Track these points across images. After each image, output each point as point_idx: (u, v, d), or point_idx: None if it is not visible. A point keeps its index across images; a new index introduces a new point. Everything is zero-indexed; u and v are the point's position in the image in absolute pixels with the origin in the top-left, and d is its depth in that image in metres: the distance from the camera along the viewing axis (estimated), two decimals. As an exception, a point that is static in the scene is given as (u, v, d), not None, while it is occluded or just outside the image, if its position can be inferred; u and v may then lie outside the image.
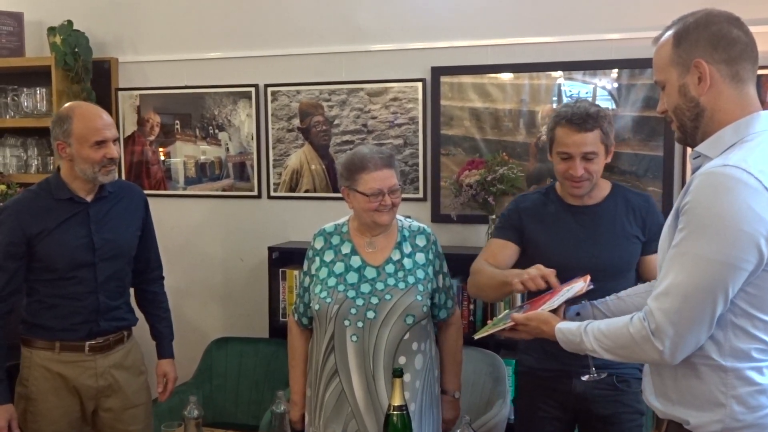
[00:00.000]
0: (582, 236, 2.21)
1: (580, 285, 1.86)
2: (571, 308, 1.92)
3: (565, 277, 2.04)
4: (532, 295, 2.04)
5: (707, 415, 1.51)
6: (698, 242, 1.44)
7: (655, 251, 2.14)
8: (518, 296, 2.98)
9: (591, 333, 1.63)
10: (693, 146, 1.60)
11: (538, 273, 1.96)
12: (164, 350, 2.68)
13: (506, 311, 2.03)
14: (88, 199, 2.43)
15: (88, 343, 2.43)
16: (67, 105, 2.45)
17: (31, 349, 2.44)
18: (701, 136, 1.56)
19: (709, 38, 1.51)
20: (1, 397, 2.35)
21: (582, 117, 2.11)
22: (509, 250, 2.28)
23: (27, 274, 2.40)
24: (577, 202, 2.25)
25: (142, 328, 2.71)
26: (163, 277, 2.75)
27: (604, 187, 2.26)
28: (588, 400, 2.21)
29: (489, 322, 2.07)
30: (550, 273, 1.97)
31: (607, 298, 1.94)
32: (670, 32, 1.58)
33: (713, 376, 1.51)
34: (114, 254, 2.46)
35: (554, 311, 1.80)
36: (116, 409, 2.52)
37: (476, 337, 1.98)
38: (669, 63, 1.56)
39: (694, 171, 1.58)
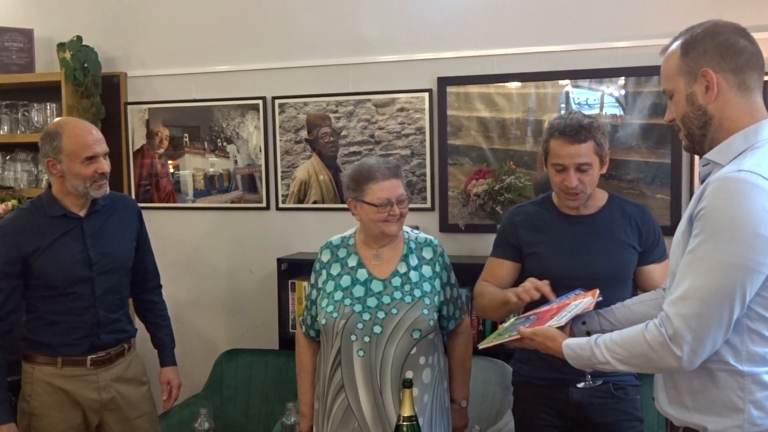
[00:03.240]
0: (579, 246, 2.21)
1: (588, 300, 1.86)
2: (576, 317, 1.91)
3: (562, 286, 2.06)
4: (538, 305, 2.04)
5: (725, 420, 1.51)
6: (715, 246, 1.45)
7: (653, 261, 2.20)
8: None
9: (603, 345, 1.61)
10: (701, 154, 1.61)
11: (531, 285, 2.04)
12: (167, 358, 2.69)
13: (513, 319, 2.03)
14: (82, 214, 2.43)
15: (89, 357, 2.44)
16: (55, 121, 2.45)
17: (33, 364, 2.44)
18: (709, 143, 1.58)
19: (717, 48, 1.54)
20: (3, 416, 2.34)
21: (575, 128, 2.13)
22: (507, 268, 2.32)
23: (25, 291, 2.40)
24: (573, 212, 2.25)
25: (143, 339, 2.73)
26: (161, 286, 2.76)
27: (601, 197, 2.27)
28: (585, 409, 2.20)
29: (499, 326, 2.07)
30: (543, 284, 2.03)
31: (613, 306, 1.94)
32: (677, 42, 1.60)
33: (730, 381, 1.51)
34: (111, 268, 2.47)
35: (561, 328, 1.79)
36: (120, 421, 2.53)
37: (481, 346, 1.98)
38: (677, 72, 1.58)
39: (703, 178, 1.59)
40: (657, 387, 1.69)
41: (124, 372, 2.54)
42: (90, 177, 2.35)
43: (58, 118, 2.54)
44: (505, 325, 2.02)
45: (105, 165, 2.38)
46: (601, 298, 1.90)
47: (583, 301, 1.87)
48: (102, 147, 2.39)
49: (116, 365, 2.51)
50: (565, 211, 2.26)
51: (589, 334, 1.83)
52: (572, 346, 1.68)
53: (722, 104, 1.54)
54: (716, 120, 1.55)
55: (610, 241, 2.20)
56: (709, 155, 1.58)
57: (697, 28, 1.58)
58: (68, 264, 2.38)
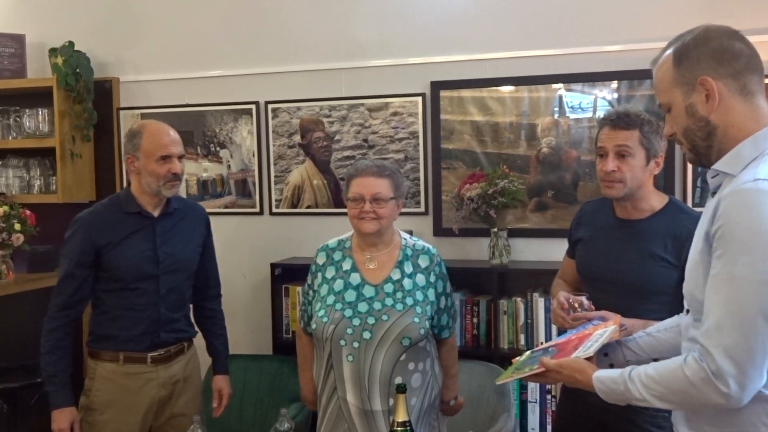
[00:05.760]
0: (613, 250, 2.17)
1: (612, 329, 1.76)
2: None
3: (591, 287, 2.06)
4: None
5: None
6: (743, 266, 1.34)
7: None
8: (542, 336, 3.00)
9: (638, 380, 1.48)
10: (708, 166, 1.52)
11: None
12: (220, 366, 2.75)
13: (528, 353, 1.90)
14: (155, 214, 2.53)
15: (150, 354, 2.51)
16: (139, 122, 2.58)
17: (97, 361, 2.52)
18: (716, 154, 1.49)
19: (711, 53, 1.45)
20: (65, 400, 2.41)
21: (618, 115, 2.13)
22: (571, 265, 2.35)
23: (94, 284, 2.49)
24: (623, 215, 2.20)
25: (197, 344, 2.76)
26: (220, 295, 2.81)
27: (657, 202, 2.16)
28: (604, 413, 2.17)
29: (514, 361, 1.90)
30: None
31: (635, 335, 1.82)
32: (668, 52, 1.51)
33: (756, 407, 1.40)
34: (176, 268, 2.55)
35: (588, 358, 1.65)
36: (166, 416, 2.58)
37: (498, 382, 1.85)
38: (672, 84, 1.50)
39: (713, 190, 1.51)
40: (675, 413, 1.59)
41: (183, 370, 2.60)
42: (163, 176, 2.44)
43: (143, 120, 2.64)
44: (521, 358, 1.88)
45: (178, 166, 2.48)
46: (625, 328, 1.82)
47: (607, 330, 1.76)
48: (177, 149, 2.50)
49: (176, 363, 2.58)
50: (617, 213, 2.21)
51: (612, 365, 1.72)
52: (603, 380, 1.54)
53: (725, 112, 1.45)
54: (720, 129, 1.46)
55: (642, 252, 2.12)
56: (717, 166, 1.48)
57: (687, 35, 1.49)
58: (137, 260, 2.47)
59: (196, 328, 2.72)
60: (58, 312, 2.44)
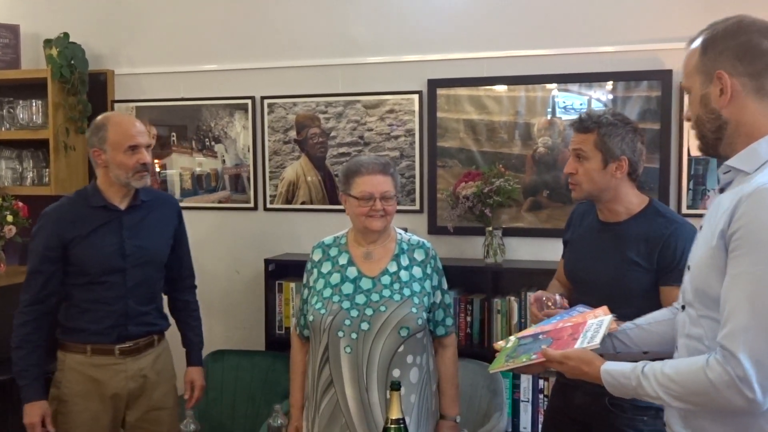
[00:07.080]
0: (593, 253, 2.20)
1: (609, 318, 1.73)
2: None
3: (574, 289, 2.07)
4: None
5: None
6: None
7: (671, 284, 2.00)
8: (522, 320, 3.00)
9: (653, 378, 1.45)
10: (717, 157, 1.53)
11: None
12: (193, 358, 2.74)
13: (515, 339, 1.86)
14: (122, 207, 2.51)
15: (117, 346, 2.50)
16: (102, 115, 2.56)
17: (65, 353, 2.52)
18: (725, 148, 1.49)
19: (735, 49, 1.45)
20: (35, 394, 2.41)
21: (580, 118, 2.17)
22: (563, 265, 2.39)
23: (63, 278, 2.48)
24: (603, 218, 2.22)
25: (174, 336, 2.75)
26: (195, 286, 2.80)
27: (633, 205, 2.16)
28: (586, 415, 2.19)
29: (497, 345, 1.89)
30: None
31: (624, 327, 1.80)
32: (700, 38, 1.50)
33: None
34: (144, 261, 2.53)
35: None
36: (142, 410, 2.57)
37: (491, 371, 1.82)
38: (694, 70, 1.50)
39: (723, 185, 1.51)
40: (669, 411, 1.57)
41: (153, 363, 2.59)
42: (132, 167, 2.44)
43: (105, 113, 2.63)
44: (509, 345, 1.83)
45: (147, 156, 2.47)
46: (616, 316, 1.79)
47: (604, 320, 1.73)
48: (144, 139, 2.49)
49: (145, 355, 2.56)
50: (599, 216, 2.23)
51: (602, 356, 1.68)
52: (613, 373, 1.52)
53: (738, 109, 1.45)
54: (732, 125, 1.46)
55: (617, 255, 2.13)
56: (731, 162, 1.48)
57: (721, 24, 1.48)
58: (103, 254, 2.46)
59: (169, 321, 2.69)
60: (26, 307, 2.43)
